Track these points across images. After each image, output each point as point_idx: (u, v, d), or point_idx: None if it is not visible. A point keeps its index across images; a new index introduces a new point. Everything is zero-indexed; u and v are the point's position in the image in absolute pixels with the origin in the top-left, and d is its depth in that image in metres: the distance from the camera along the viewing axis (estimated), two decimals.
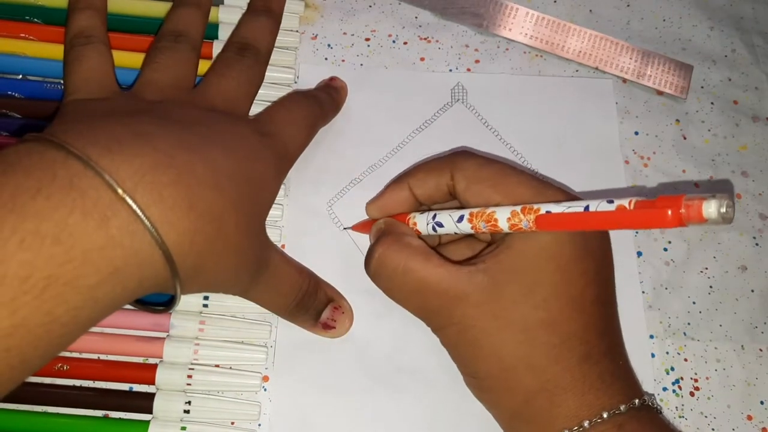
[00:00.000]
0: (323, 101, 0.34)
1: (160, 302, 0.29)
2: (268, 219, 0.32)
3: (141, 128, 0.24)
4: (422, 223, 0.29)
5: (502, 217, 0.26)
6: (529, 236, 0.26)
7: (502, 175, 0.28)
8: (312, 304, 0.30)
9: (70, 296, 0.20)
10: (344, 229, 0.33)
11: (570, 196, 0.27)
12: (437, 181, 0.29)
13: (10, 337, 0.19)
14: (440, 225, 0.28)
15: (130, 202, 0.21)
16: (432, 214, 0.29)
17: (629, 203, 0.22)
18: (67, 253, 0.20)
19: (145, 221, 0.21)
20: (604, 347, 0.26)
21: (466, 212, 0.27)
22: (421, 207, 0.31)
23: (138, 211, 0.21)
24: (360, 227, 0.33)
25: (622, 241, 0.34)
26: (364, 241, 0.33)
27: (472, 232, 0.27)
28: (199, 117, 0.27)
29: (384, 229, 0.30)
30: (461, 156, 0.30)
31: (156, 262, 0.22)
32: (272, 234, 0.32)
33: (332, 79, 0.36)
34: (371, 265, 0.29)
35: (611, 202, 0.23)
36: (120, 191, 0.21)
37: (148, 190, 0.21)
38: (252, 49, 0.32)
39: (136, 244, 0.21)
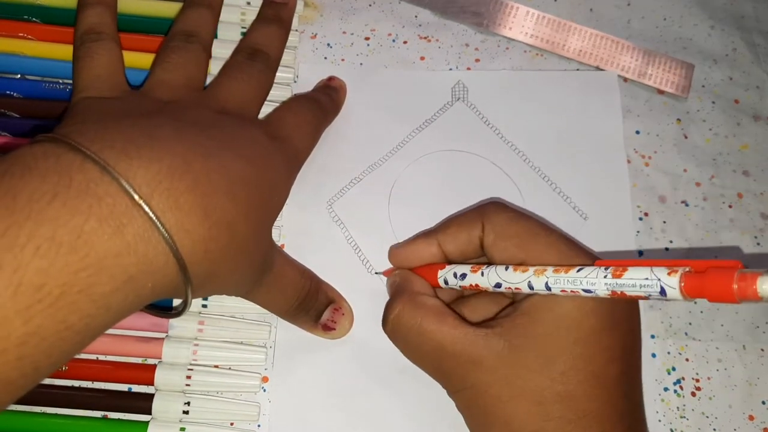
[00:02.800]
0: (324, 103, 0.34)
1: (167, 306, 0.29)
2: None
3: (157, 132, 0.23)
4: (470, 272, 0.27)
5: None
6: (551, 302, 0.25)
7: (532, 234, 0.27)
8: (313, 305, 0.30)
9: (83, 304, 0.20)
10: (376, 273, 0.33)
11: (595, 258, 0.26)
12: (469, 234, 0.28)
13: (23, 345, 0.19)
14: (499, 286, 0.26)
15: (146, 208, 0.21)
16: (490, 267, 0.27)
17: (679, 279, 0.21)
18: (82, 261, 0.19)
19: (161, 228, 0.21)
20: (622, 428, 0.25)
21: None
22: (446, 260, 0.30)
23: (154, 218, 0.21)
24: (388, 273, 0.32)
25: (622, 241, 0.34)
26: (368, 245, 0.33)
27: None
28: (212, 119, 0.27)
29: (399, 284, 0.29)
30: (492, 208, 0.28)
31: (169, 270, 0.22)
32: (272, 234, 0.32)
33: (330, 78, 0.36)
34: (388, 324, 0.28)
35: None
36: (136, 197, 0.21)
37: (164, 196, 0.21)
38: (262, 55, 0.32)
39: (151, 251, 0.21)
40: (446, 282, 0.28)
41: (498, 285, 0.26)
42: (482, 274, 0.27)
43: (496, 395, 0.25)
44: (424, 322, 0.27)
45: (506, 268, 0.26)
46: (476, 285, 0.27)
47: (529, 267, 0.25)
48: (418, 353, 0.28)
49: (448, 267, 0.28)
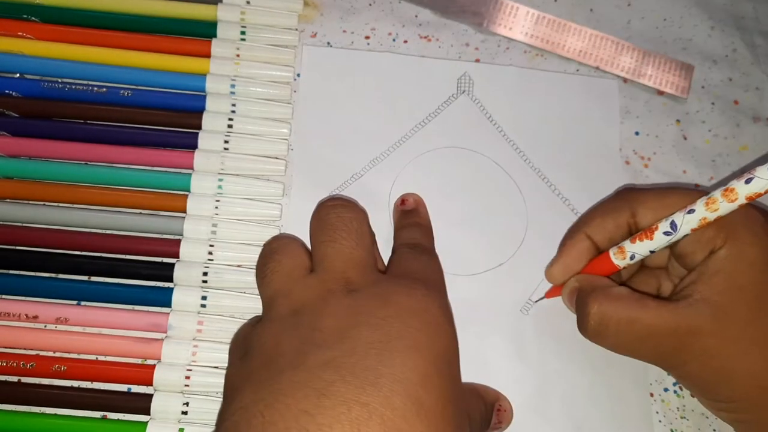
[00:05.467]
0: (424, 225, 0.33)
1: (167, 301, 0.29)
2: (266, 219, 0.32)
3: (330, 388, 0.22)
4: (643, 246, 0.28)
5: (743, 190, 0.25)
6: (736, 256, 0.26)
7: (689, 198, 0.27)
8: (487, 425, 0.29)
9: None
10: (536, 302, 0.32)
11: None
12: (616, 222, 0.29)
13: None
14: (674, 227, 0.27)
15: None
16: (668, 220, 0.27)
17: None
18: None
19: None
20: None
21: (698, 202, 0.26)
22: (599, 253, 0.30)
23: None
24: (552, 293, 0.32)
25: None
26: None
27: (690, 230, 0.26)
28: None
29: (581, 287, 0.29)
30: (635, 192, 0.30)
31: None
32: (271, 234, 0.32)
33: (403, 202, 0.33)
34: (589, 325, 0.28)
35: None
36: None
37: None
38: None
39: None
40: (632, 257, 0.28)
41: (673, 225, 0.27)
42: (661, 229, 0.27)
43: (727, 355, 0.26)
44: (629, 311, 0.27)
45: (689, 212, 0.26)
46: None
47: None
48: (631, 344, 0.28)
49: (615, 248, 0.29)
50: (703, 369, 0.27)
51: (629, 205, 0.29)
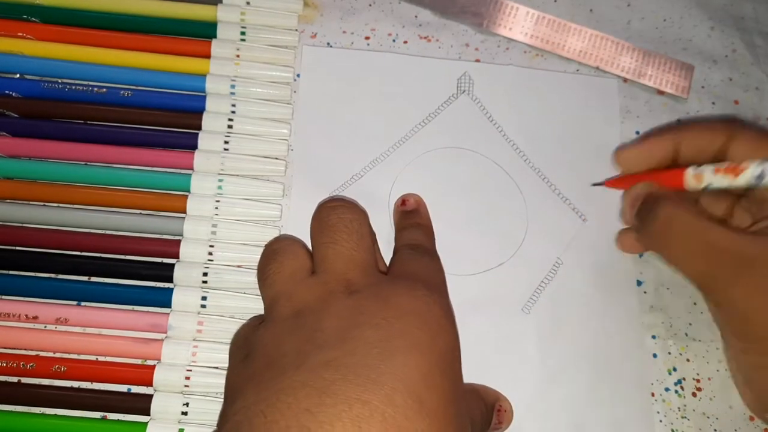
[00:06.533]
0: (425, 225, 0.33)
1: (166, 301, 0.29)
2: (266, 220, 0.32)
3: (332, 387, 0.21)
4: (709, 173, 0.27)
5: None
6: None
7: None
8: (487, 426, 0.29)
9: None
10: (594, 185, 0.32)
11: None
12: (711, 140, 0.29)
13: None
14: (763, 176, 0.26)
15: None
16: (761, 166, 0.26)
17: None
18: None
19: None
20: None
21: None
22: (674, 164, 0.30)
23: None
24: (614, 183, 0.31)
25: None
26: None
27: None
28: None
29: (653, 192, 0.29)
30: (741, 122, 0.29)
31: None
32: (271, 234, 0.32)
33: (403, 202, 0.34)
34: (656, 224, 0.28)
35: None
36: None
37: None
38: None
39: None
40: (707, 188, 0.28)
41: (763, 174, 0.26)
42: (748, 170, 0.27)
43: None
44: (698, 222, 0.27)
45: None
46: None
47: None
48: (687, 254, 0.28)
49: (693, 170, 0.28)
50: (747, 299, 0.27)
51: (730, 129, 0.29)
